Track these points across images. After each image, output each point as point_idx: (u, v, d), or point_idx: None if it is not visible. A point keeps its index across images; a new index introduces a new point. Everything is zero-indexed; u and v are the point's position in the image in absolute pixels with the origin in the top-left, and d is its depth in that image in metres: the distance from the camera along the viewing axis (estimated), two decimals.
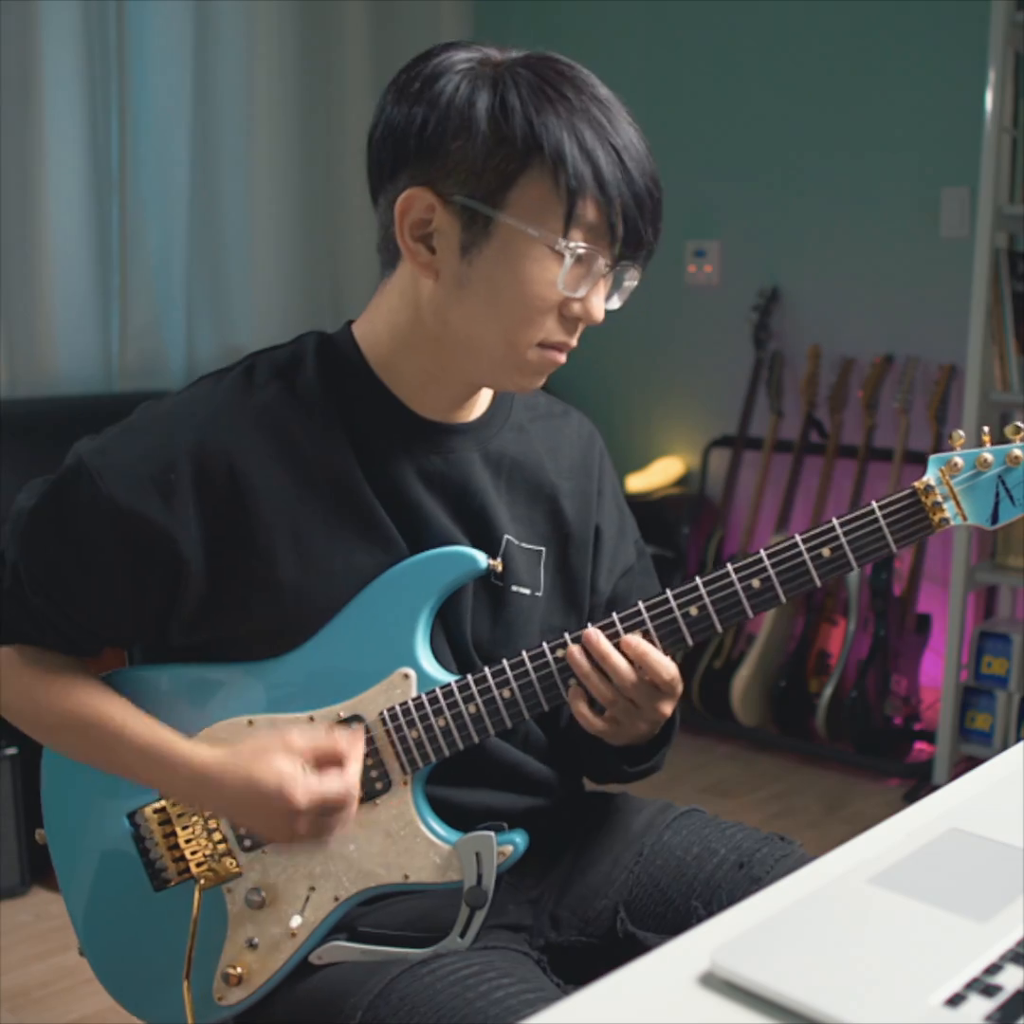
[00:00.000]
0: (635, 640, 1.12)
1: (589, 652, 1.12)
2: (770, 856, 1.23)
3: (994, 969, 0.77)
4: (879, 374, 3.36)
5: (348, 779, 1.09)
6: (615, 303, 1.15)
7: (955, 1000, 0.74)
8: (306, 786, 1.07)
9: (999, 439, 1.11)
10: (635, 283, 1.15)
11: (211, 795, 1.12)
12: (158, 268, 3.40)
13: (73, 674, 1.19)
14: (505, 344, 1.11)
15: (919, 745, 3.28)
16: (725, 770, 3.32)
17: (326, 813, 1.09)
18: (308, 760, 1.09)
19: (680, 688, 1.15)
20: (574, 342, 1.14)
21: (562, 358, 1.14)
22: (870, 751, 3.23)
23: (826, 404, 3.46)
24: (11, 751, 2.56)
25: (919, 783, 3.13)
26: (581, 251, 1.07)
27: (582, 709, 1.14)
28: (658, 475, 3.82)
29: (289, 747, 1.09)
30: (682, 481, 3.85)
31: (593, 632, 1.12)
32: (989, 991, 0.75)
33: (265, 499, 1.13)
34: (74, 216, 3.20)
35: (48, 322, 3.17)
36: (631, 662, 1.11)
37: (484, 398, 1.25)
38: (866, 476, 3.37)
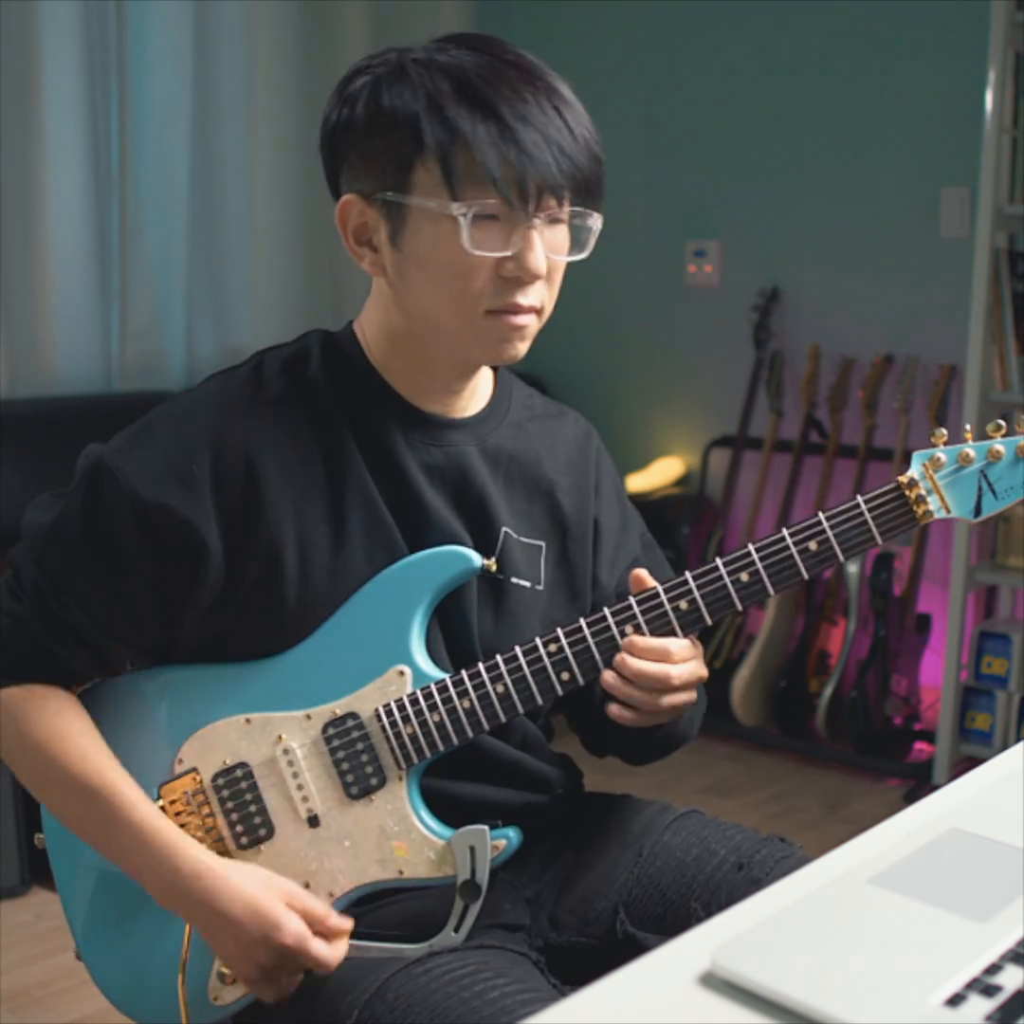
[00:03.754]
0: (652, 643, 1.13)
1: (622, 675, 1.13)
2: (770, 858, 1.23)
3: (994, 969, 0.77)
4: (879, 374, 3.36)
5: (335, 954, 1.11)
6: (579, 255, 1.16)
7: (955, 1000, 0.74)
8: (297, 931, 1.09)
9: (981, 435, 1.14)
10: (598, 226, 1.14)
11: (200, 895, 1.10)
12: (158, 268, 3.40)
13: (93, 737, 1.16)
14: (456, 317, 1.12)
15: (919, 745, 3.28)
16: (725, 770, 3.32)
17: (294, 967, 1.10)
18: (298, 914, 1.10)
19: (696, 650, 1.16)
20: (529, 301, 1.12)
21: (522, 320, 1.13)
22: (870, 751, 3.23)
23: (826, 404, 3.46)
24: None
25: (919, 783, 3.13)
26: (477, 210, 1.07)
27: (620, 712, 1.15)
28: (658, 475, 3.82)
29: (290, 895, 1.11)
30: (682, 481, 3.85)
31: (624, 657, 1.12)
32: (989, 991, 0.75)
33: (275, 493, 1.14)
34: (74, 216, 3.20)
35: (48, 322, 3.17)
36: (658, 661, 1.13)
37: (482, 395, 1.26)
38: (866, 476, 3.37)
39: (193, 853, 1.11)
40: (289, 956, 1.09)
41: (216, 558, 1.13)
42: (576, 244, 1.16)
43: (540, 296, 1.14)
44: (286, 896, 1.11)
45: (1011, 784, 1.07)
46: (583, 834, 1.30)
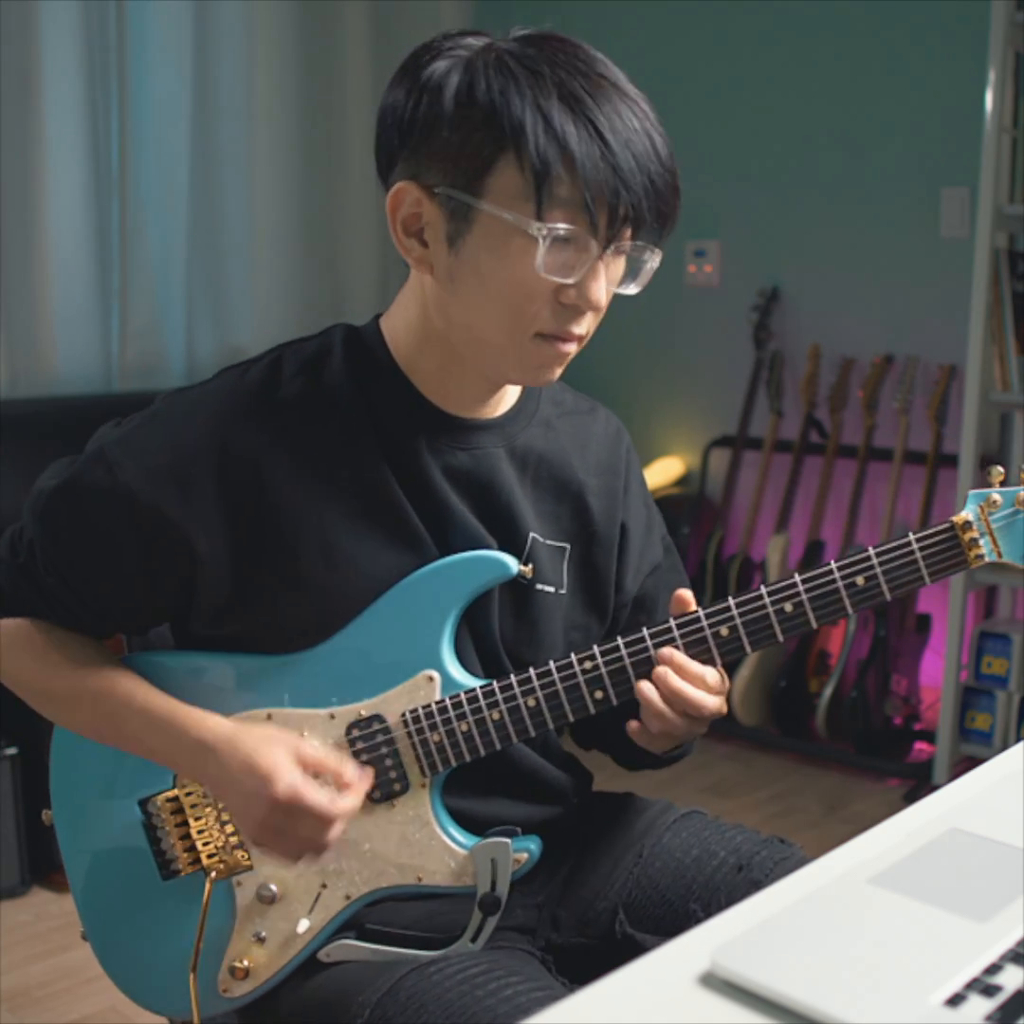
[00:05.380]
0: (694, 666, 1.11)
1: (661, 691, 1.11)
2: (769, 859, 1.22)
3: (994, 969, 0.77)
4: (879, 374, 3.36)
5: (337, 803, 1.07)
6: (632, 288, 1.11)
7: (955, 1000, 0.74)
8: (291, 781, 1.06)
9: None
10: (656, 264, 1.10)
11: (211, 764, 1.11)
12: (158, 268, 3.40)
13: (82, 647, 1.19)
14: (503, 335, 1.08)
15: (919, 745, 3.28)
16: (725, 770, 3.32)
17: (300, 821, 1.07)
18: (310, 769, 1.09)
19: (724, 686, 1.15)
20: (580, 331, 1.09)
21: (568, 348, 1.09)
22: (870, 751, 3.23)
23: (826, 404, 3.46)
24: (11, 751, 2.56)
25: (919, 783, 3.13)
26: (559, 233, 1.02)
27: (638, 730, 1.15)
28: (658, 475, 3.82)
29: (298, 749, 1.09)
30: (682, 481, 3.85)
31: (663, 672, 1.10)
32: (989, 991, 0.75)
33: (290, 495, 1.12)
34: (74, 216, 3.20)
35: (48, 322, 3.17)
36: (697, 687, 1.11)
37: (511, 394, 1.23)
38: (866, 476, 3.37)
39: (198, 723, 1.12)
40: (287, 810, 1.07)
41: (215, 565, 1.12)
42: (630, 274, 1.11)
43: (590, 325, 1.10)
44: (292, 749, 1.09)
45: (1011, 784, 1.07)
46: (586, 835, 1.30)
